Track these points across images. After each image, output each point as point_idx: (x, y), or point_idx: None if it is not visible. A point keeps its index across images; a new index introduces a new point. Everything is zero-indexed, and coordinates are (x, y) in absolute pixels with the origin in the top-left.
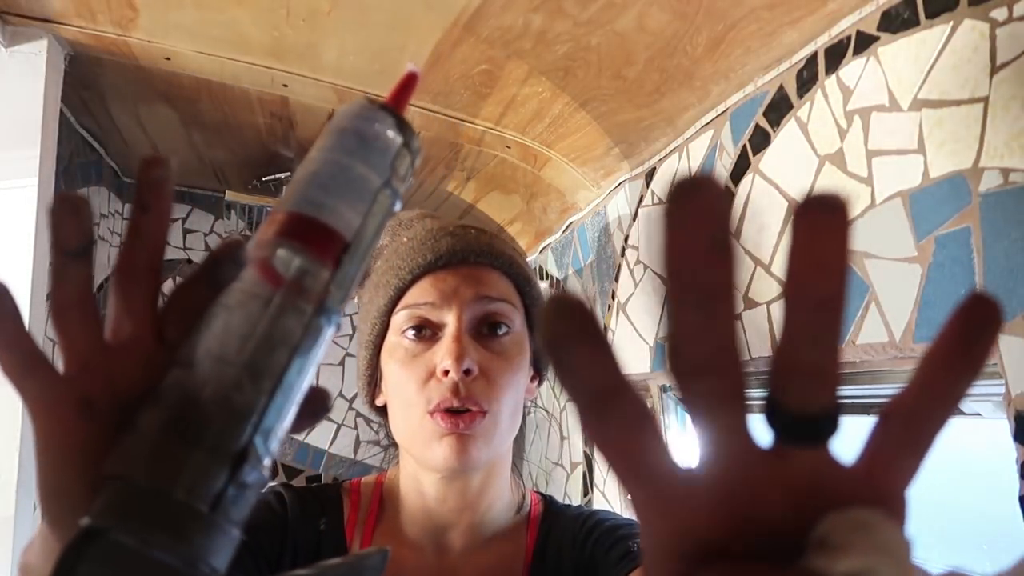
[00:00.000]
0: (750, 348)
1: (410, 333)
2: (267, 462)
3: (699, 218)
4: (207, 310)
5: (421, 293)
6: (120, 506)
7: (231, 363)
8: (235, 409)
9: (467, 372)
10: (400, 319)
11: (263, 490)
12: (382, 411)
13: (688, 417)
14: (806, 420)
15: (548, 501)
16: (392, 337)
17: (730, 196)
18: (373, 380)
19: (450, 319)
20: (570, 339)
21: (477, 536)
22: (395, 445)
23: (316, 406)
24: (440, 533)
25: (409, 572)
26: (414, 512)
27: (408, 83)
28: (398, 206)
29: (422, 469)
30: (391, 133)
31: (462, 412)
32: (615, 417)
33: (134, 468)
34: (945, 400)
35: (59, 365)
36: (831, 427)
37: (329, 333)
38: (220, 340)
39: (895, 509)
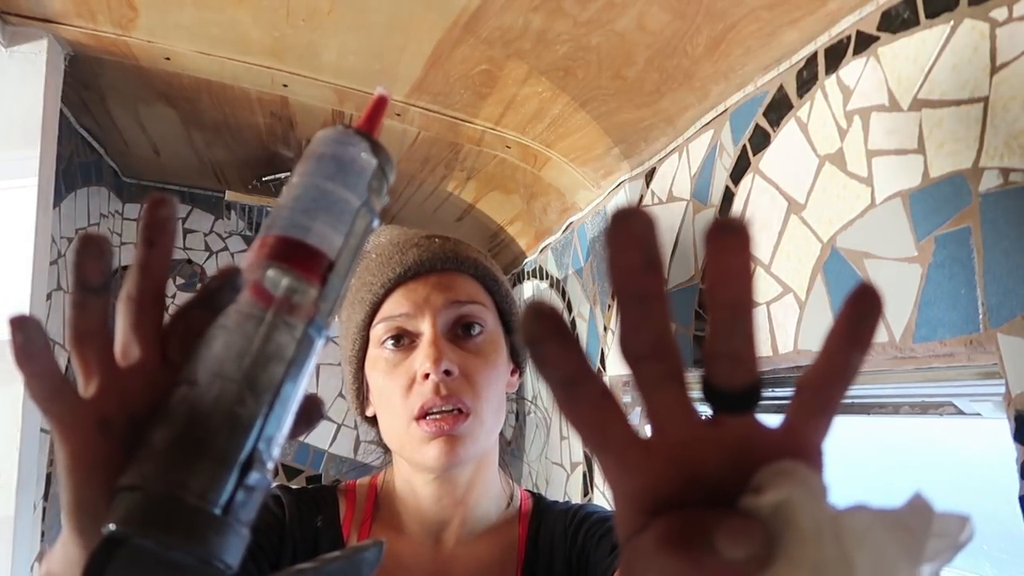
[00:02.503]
0: None
1: (389, 344)
2: (270, 466)
3: (633, 241)
4: (207, 331)
5: (395, 305)
6: (140, 513)
7: (232, 379)
8: (239, 421)
9: (447, 373)
10: (378, 331)
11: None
12: (373, 420)
13: (638, 392)
14: (733, 394)
15: (538, 498)
16: (373, 350)
17: (655, 222)
18: (361, 392)
19: (425, 326)
20: (543, 337)
21: (471, 530)
22: (388, 451)
23: (311, 413)
24: (435, 528)
25: (406, 565)
26: (409, 509)
27: (378, 106)
28: (376, 223)
29: (414, 471)
30: (366, 156)
31: (446, 414)
32: (582, 398)
33: (151, 479)
34: (844, 372)
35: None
36: (754, 398)
37: (319, 344)
38: (221, 358)
39: (813, 461)
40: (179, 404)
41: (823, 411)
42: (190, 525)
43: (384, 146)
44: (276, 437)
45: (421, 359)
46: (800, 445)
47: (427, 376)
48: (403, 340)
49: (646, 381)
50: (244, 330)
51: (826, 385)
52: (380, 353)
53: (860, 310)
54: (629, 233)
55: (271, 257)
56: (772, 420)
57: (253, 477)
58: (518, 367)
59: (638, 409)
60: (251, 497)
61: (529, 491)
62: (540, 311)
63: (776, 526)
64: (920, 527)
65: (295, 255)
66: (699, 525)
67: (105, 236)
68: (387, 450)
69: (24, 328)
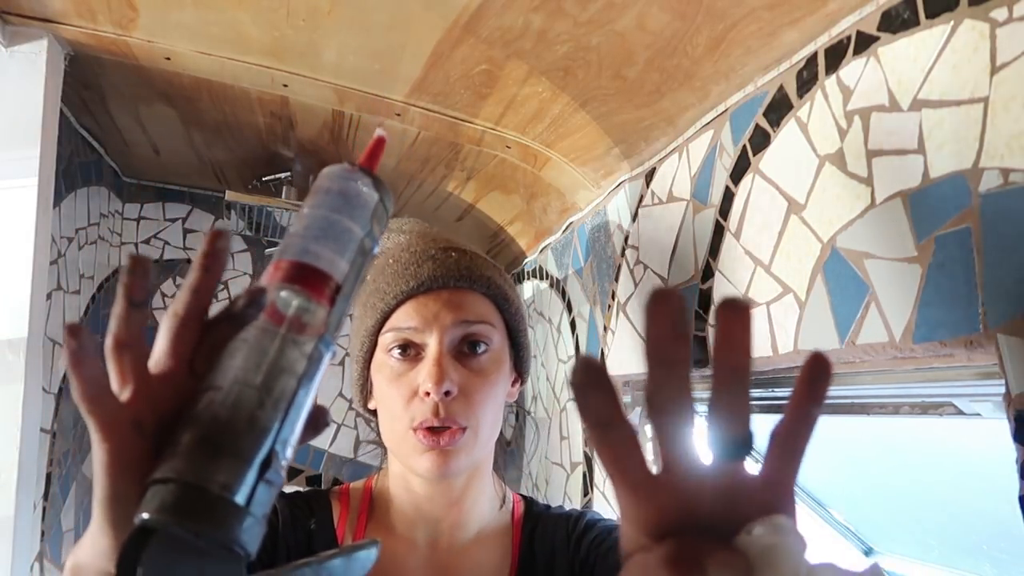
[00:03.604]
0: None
1: (396, 352)
2: (284, 466)
3: (666, 318)
4: (229, 344)
5: (405, 317)
6: (172, 503)
7: (254, 387)
8: (260, 424)
9: (447, 393)
10: (387, 339)
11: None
12: (374, 413)
13: (655, 437)
14: (729, 444)
15: (529, 501)
16: (380, 354)
17: (685, 301)
18: (365, 388)
19: (432, 342)
20: (588, 387)
21: (465, 531)
22: (384, 446)
23: (318, 420)
24: (430, 528)
25: (402, 565)
26: (405, 509)
27: (378, 146)
28: (376, 250)
29: (409, 471)
30: (369, 191)
31: (442, 430)
32: (612, 440)
33: (183, 472)
34: (807, 422)
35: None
36: (747, 449)
37: (327, 358)
38: (244, 368)
39: (787, 500)
40: (206, 408)
41: (793, 456)
42: (218, 514)
43: (384, 181)
44: (290, 440)
45: (424, 376)
46: (778, 487)
47: (428, 394)
48: (409, 351)
49: (662, 430)
50: (263, 344)
51: (794, 434)
52: (386, 359)
53: (815, 373)
54: (664, 310)
55: (287, 280)
56: (754, 468)
57: (271, 474)
58: (520, 377)
59: (639, 409)
60: (269, 492)
61: (519, 493)
62: (589, 365)
63: (760, 564)
64: None
65: (308, 278)
66: (696, 552)
67: (149, 258)
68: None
69: (78, 336)
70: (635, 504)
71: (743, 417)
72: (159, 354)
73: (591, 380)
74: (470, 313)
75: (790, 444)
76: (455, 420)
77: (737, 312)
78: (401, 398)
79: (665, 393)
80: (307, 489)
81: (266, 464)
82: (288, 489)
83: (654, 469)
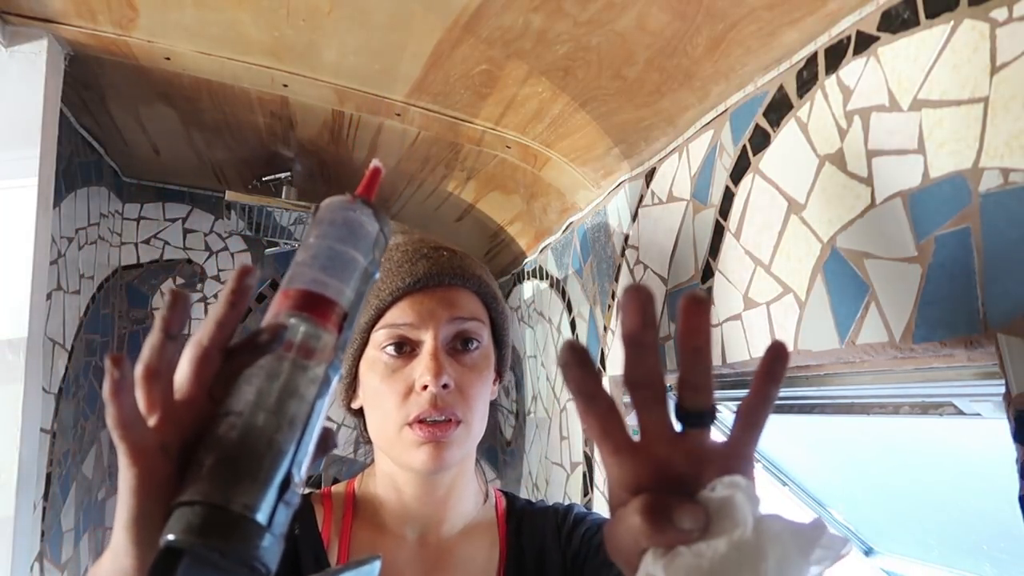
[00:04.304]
0: (750, 349)
1: (390, 349)
2: (299, 483)
3: (638, 309)
4: (248, 371)
5: (400, 314)
6: (200, 524)
7: (272, 412)
8: (279, 448)
9: (445, 386)
10: (380, 336)
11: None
12: (356, 413)
13: (633, 408)
14: (695, 414)
15: (510, 497)
16: (372, 351)
17: (653, 294)
18: (352, 386)
19: (427, 338)
20: (573, 364)
21: (453, 526)
22: (370, 443)
23: (327, 442)
24: (419, 526)
25: (392, 561)
26: (392, 507)
27: (374, 177)
28: (376, 276)
29: (399, 468)
30: (370, 221)
31: (439, 423)
32: (595, 409)
33: (209, 495)
34: (765, 401)
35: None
36: (710, 418)
37: (336, 382)
38: (260, 395)
39: (747, 463)
40: (228, 432)
41: (754, 427)
42: (243, 534)
43: (383, 211)
44: (304, 461)
45: (421, 370)
46: (739, 453)
47: (425, 387)
48: (404, 348)
49: (639, 402)
50: (278, 372)
51: (755, 410)
52: (379, 356)
53: (774, 358)
54: (637, 301)
55: (297, 308)
56: (720, 435)
57: (289, 495)
58: (499, 376)
59: (632, 415)
60: (287, 513)
61: (499, 489)
62: (574, 347)
63: (717, 514)
64: (814, 538)
65: (317, 306)
66: (664, 504)
67: (189, 294)
68: (368, 443)
69: (121, 367)
70: (617, 465)
71: (706, 390)
72: (182, 381)
73: (575, 359)
74: (463, 310)
75: (751, 418)
76: (453, 412)
77: (698, 304)
78: (396, 394)
79: (639, 371)
80: None
81: (284, 485)
82: None
83: (635, 437)
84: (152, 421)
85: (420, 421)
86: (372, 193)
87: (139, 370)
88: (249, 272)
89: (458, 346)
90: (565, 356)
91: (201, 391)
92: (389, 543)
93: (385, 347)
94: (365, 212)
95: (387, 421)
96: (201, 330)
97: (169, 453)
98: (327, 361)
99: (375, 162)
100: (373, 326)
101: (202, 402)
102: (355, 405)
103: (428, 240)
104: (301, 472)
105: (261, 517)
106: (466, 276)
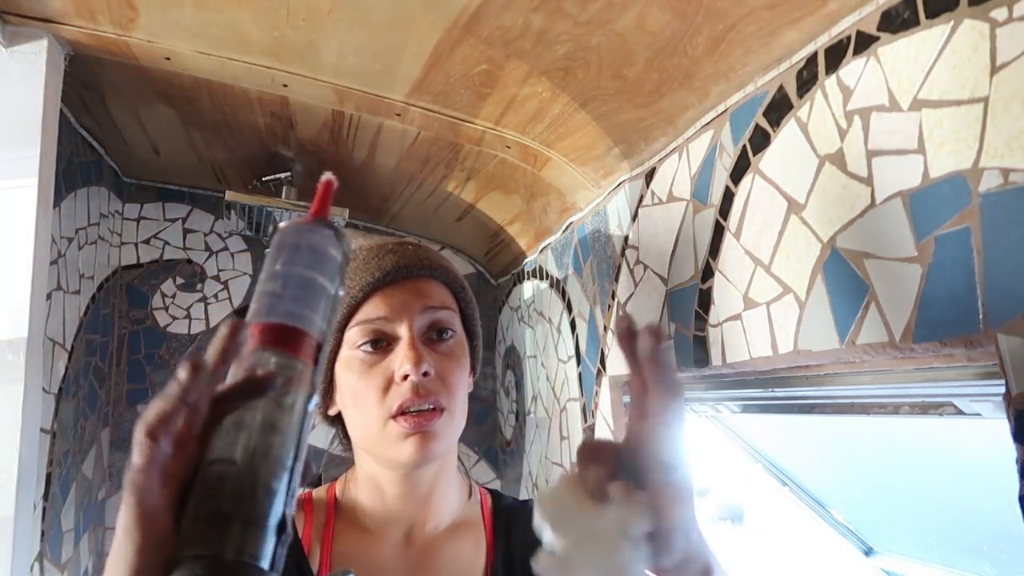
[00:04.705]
0: (750, 349)
1: (367, 346)
2: (291, 516)
3: (625, 329)
4: (237, 416)
5: (373, 309)
6: None
7: (262, 456)
8: (275, 492)
9: (425, 374)
10: (354, 334)
11: None
12: (333, 420)
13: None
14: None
15: (496, 494)
16: (346, 351)
17: (630, 318)
18: (327, 392)
19: (403, 329)
20: (632, 336)
21: (438, 524)
22: (351, 449)
23: (307, 473)
24: (403, 526)
25: (380, 563)
26: (374, 509)
27: (327, 192)
28: (340, 295)
29: (381, 468)
30: (332, 243)
31: (423, 412)
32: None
33: (216, 546)
34: (664, 387)
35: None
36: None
37: (314, 413)
38: (248, 439)
39: (669, 455)
40: (223, 481)
41: (654, 419)
42: None
43: (343, 231)
44: (294, 495)
45: (400, 360)
46: (661, 450)
47: (406, 377)
48: (380, 343)
49: (634, 403)
50: (265, 413)
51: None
52: (355, 355)
53: (648, 340)
54: (626, 326)
55: (271, 344)
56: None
57: (284, 535)
58: (473, 369)
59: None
60: (284, 551)
61: (483, 486)
62: (629, 319)
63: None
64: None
65: (291, 340)
66: (590, 454)
67: (208, 364)
68: (349, 449)
69: (156, 438)
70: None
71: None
72: (179, 435)
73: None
74: (435, 300)
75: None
76: (436, 399)
77: (653, 332)
78: (376, 389)
79: (629, 368)
80: None
81: (281, 528)
82: None
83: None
84: (164, 465)
85: (404, 413)
86: (327, 210)
87: (144, 428)
88: (240, 329)
89: (433, 336)
90: (626, 325)
91: (194, 442)
92: (373, 545)
93: (361, 345)
94: (325, 234)
95: (369, 418)
96: (189, 385)
97: (174, 509)
98: (307, 395)
99: (326, 175)
100: (345, 325)
101: (194, 452)
102: (332, 412)
103: (388, 239)
104: (291, 507)
105: (264, 563)
106: (434, 267)
